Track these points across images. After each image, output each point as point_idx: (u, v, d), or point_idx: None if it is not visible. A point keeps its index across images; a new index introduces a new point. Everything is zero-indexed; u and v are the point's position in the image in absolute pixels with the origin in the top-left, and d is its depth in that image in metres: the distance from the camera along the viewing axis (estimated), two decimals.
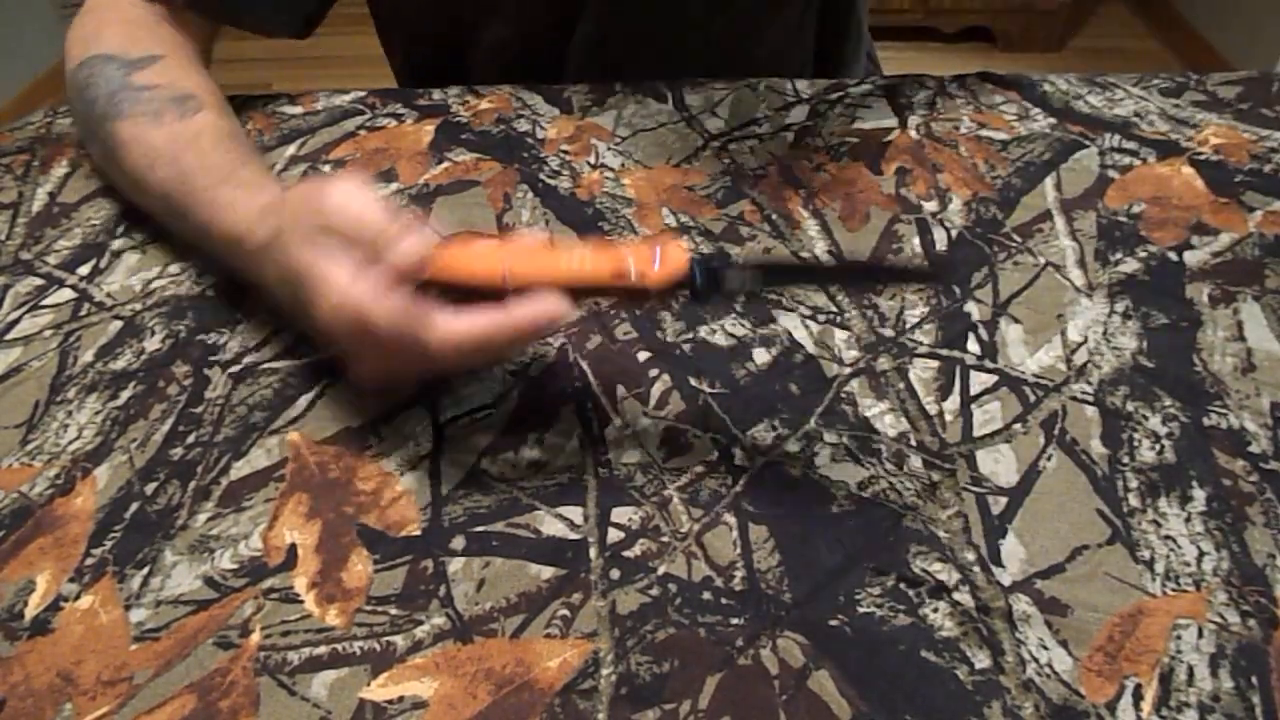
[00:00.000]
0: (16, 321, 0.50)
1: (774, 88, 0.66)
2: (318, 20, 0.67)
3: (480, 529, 0.39)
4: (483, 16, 0.70)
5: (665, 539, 0.38)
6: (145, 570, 0.38)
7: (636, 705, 0.33)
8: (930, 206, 0.55)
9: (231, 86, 0.70)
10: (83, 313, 0.50)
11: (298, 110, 0.65)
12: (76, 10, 0.61)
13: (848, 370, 0.45)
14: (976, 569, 0.37)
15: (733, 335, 0.47)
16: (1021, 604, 0.36)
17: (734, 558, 0.38)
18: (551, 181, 0.58)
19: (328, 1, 0.68)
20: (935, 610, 0.36)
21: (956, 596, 0.36)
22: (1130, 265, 0.51)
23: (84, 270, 0.53)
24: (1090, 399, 0.44)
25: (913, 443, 0.42)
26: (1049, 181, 0.57)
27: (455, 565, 0.38)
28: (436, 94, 0.67)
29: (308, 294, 0.38)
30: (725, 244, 0.53)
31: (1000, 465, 0.41)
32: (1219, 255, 0.51)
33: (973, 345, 0.46)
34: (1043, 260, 0.51)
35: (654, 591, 0.37)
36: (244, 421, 0.44)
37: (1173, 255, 0.51)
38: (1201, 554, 0.37)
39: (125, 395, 0.45)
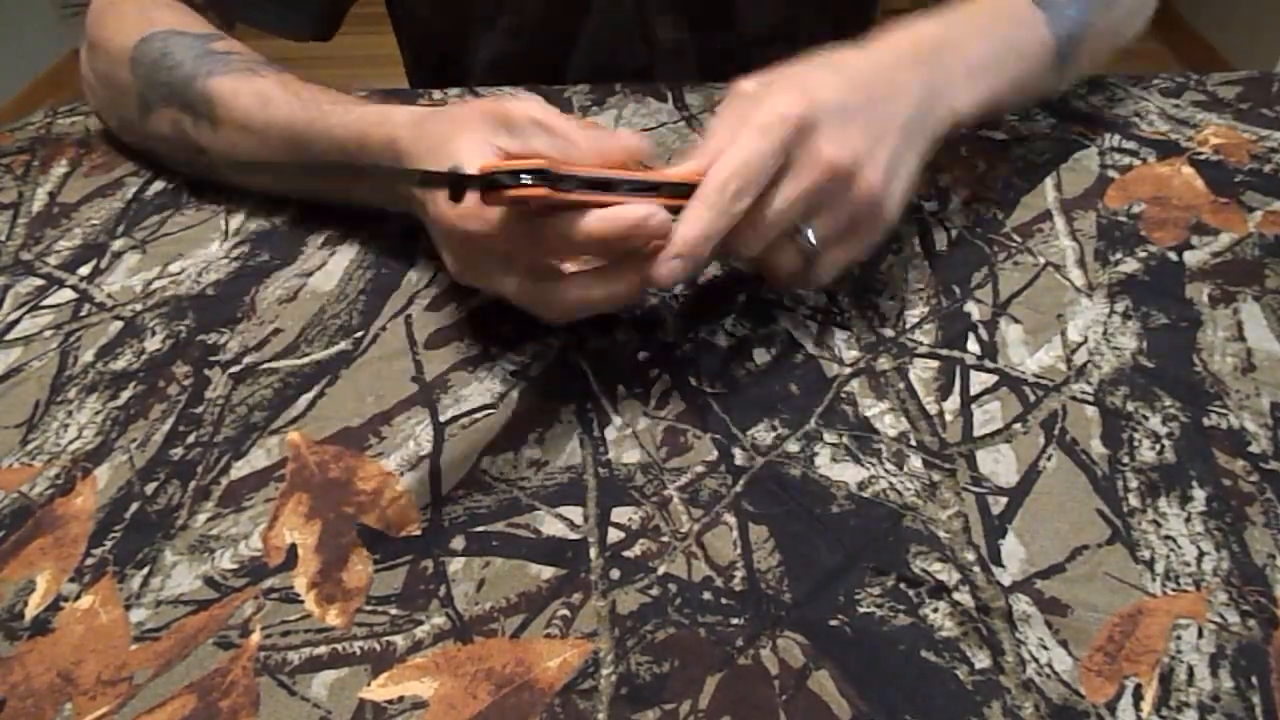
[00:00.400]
0: (17, 322, 0.50)
1: None
2: (338, 21, 0.67)
3: (480, 529, 0.39)
4: (486, 20, 0.70)
5: (665, 539, 0.38)
6: (145, 570, 0.38)
7: (636, 705, 0.33)
8: (930, 206, 0.55)
9: None
10: (83, 313, 0.50)
11: None
12: (76, 10, 0.61)
13: (848, 370, 0.45)
14: (976, 569, 0.37)
15: (733, 335, 0.47)
16: (1021, 604, 0.36)
17: (734, 558, 0.38)
18: None
19: (347, 1, 0.68)
20: (935, 610, 0.36)
21: (956, 596, 0.36)
22: (1130, 265, 0.51)
23: (84, 270, 0.53)
24: (1090, 399, 0.44)
25: (913, 442, 0.42)
26: (1049, 181, 0.57)
27: (455, 565, 0.38)
28: (437, 94, 0.67)
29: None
30: None
31: (1000, 465, 0.41)
32: (1219, 255, 0.51)
33: (973, 345, 0.46)
34: (1043, 260, 0.51)
35: (654, 591, 0.37)
36: (244, 421, 0.44)
37: (1173, 255, 0.51)
38: (1201, 554, 0.37)
39: (125, 395, 0.45)
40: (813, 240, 0.42)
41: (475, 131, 0.41)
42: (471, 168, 0.37)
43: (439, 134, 0.43)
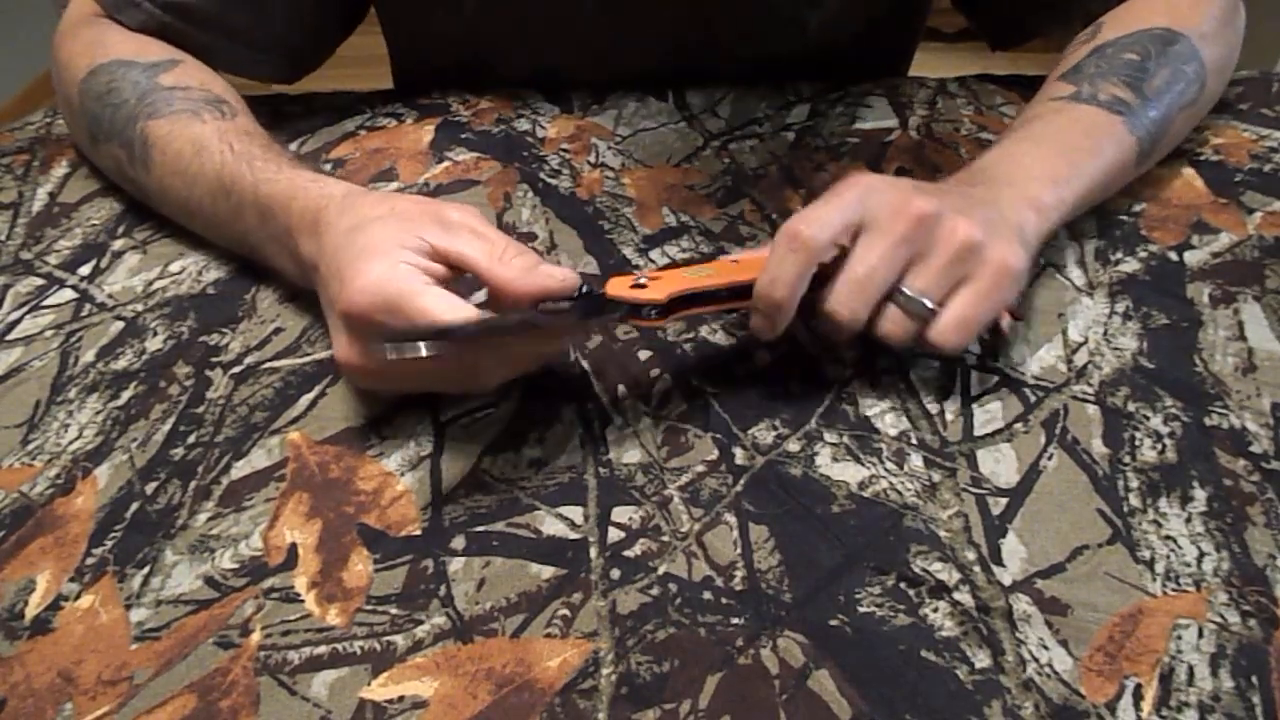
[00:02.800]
0: (17, 322, 0.50)
1: (775, 87, 0.66)
2: (308, 66, 0.65)
3: (480, 529, 0.39)
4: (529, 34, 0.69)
5: (666, 539, 0.38)
6: (145, 570, 0.38)
7: (637, 705, 0.33)
8: None
9: (231, 86, 0.70)
10: (83, 313, 0.50)
11: (297, 110, 0.65)
12: None
13: (849, 371, 0.45)
14: (977, 569, 0.37)
15: (733, 335, 0.47)
16: (1021, 604, 0.36)
17: (734, 557, 0.38)
18: (551, 181, 0.58)
19: (317, 47, 0.66)
20: (935, 610, 0.36)
21: (956, 596, 0.36)
22: (1131, 265, 0.51)
23: (85, 270, 0.53)
24: (1091, 398, 0.44)
25: (913, 441, 0.42)
26: None
27: (455, 565, 0.38)
28: (436, 94, 0.67)
29: (357, 263, 0.39)
30: (725, 243, 0.53)
31: (1001, 465, 0.41)
32: (1219, 255, 0.51)
33: (973, 345, 0.46)
34: (1043, 260, 0.51)
35: (654, 591, 0.37)
36: (245, 421, 0.44)
37: (1173, 255, 0.51)
38: (1202, 554, 0.37)
39: (126, 395, 0.45)
40: (910, 294, 0.40)
41: (410, 223, 0.40)
42: (392, 264, 0.39)
43: (366, 214, 0.41)
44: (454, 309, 0.38)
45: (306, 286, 0.46)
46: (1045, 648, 0.34)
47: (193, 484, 0.41)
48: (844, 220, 0.40)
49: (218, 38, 0.59)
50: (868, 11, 0.69)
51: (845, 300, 0.40)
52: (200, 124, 0.51)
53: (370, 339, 0.39)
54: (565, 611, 0.36)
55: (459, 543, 0.38)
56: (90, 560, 0.38)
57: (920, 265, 0.40)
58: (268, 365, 0.46)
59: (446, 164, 0.59)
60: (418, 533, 0.39)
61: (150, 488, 0.41)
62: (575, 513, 0.39)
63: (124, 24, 0.58)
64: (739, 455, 0.41)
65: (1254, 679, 0.33)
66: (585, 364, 0.46)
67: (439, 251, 0.40)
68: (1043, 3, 0.64)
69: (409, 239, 0.40)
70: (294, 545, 0.38)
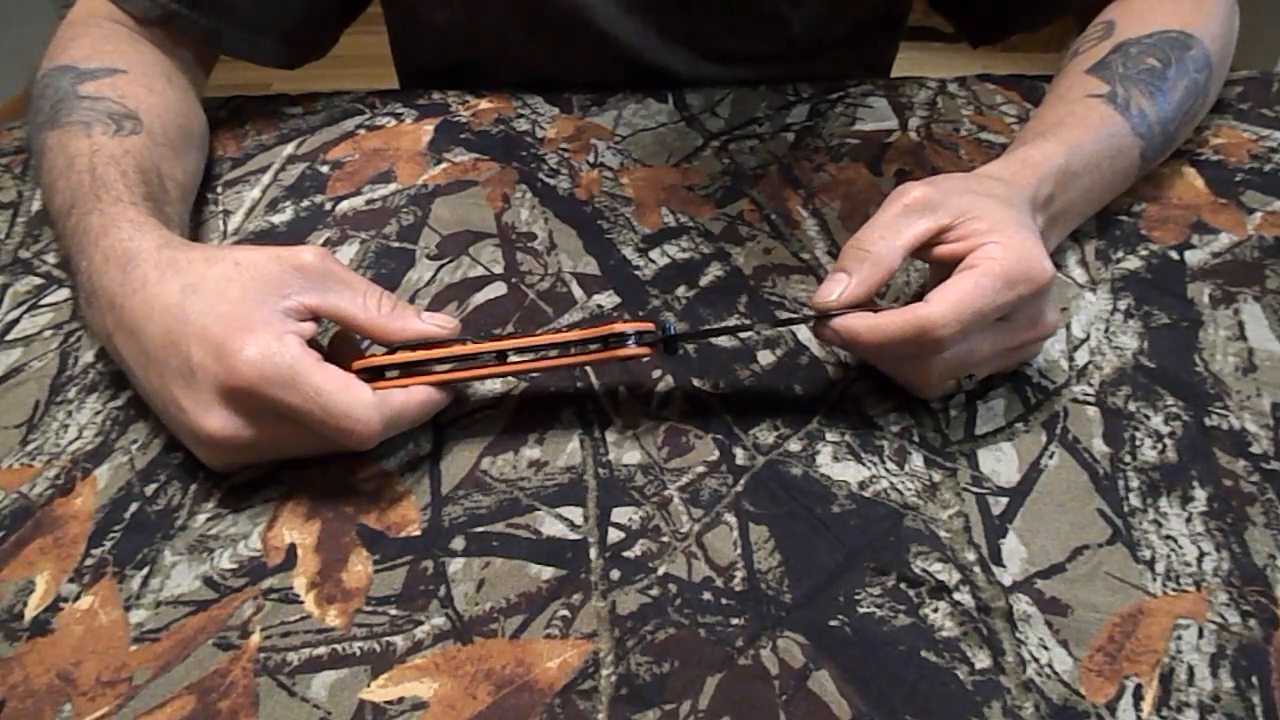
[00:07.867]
0: (16, 321, 0.49)
1: (774, 87, 0.66)
2: (310, 52, 0.65)
3: (480, 529, 0.39)
4: (496, 57, 0.69)
5: (665, 539, 0.38)
6: (145, 571, 0.38)
7: (636, 705, 0.33)
8: None
9: (232, 87, 0.70)
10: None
11: (297, 110, 0.65)
12: None
13: (854, 372, 0.45)
14: (977, 569, 0.37)
15: (736, 336, 0.47)
16: (1022, 604, 0.36)
17: (734, 558, 0.38)
18: (550, 181, 0.58)
19: (320, 32, 0.66)
20: (935, 610, 0.36)
21: (957, 596, 0.36)
22: (1132, 263, 0.51)
23: None
24: (1092, 398, 0.44)
25: (915, 439, 0.42)
26: None
27: (455, 565, 0.38)
28: (436, 94, 0.67)
29: (234, 335, 0.36)
30: (724, 244, 0.53)
31: (1002, 464, 0.41)
32: (1219, 255, 0.51)
33: None
34: None
35: (654, 592, 0.37)
36: None
37: (1174, 254, 0.51)
38: (1202, 554, 0.37)
39: (126, 396, 0.45)
40: (974, 382, 0.43)
41: (269, 283, 0.38)
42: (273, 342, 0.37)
43: (204, 273, 0.39)
44: (349, 390, 0.37)
45: (96, 325, 0.42)
46: (1045, 648, 0.34)
47: (192, 485, 0.41)
48: (981, 320, 0.38)
49: (221, 23, 0.59)
50: (852, 11, 0.69)
51: (938, 382, 0.41)
52: (84, 139, 0.48)
53: (256, 413, 0.37)
54: (565, 612, 0.36)
55: (459, 543, 0.38)
56: (89, 561, 0.38)
57: (1002, 348, 0.41)
58: None
59: (445, 165, 0.59)
60: (417, 533, 0.39)
61: (150, 488, 0.41)
62: (575, 513, 0.39)
63: (131, 14, 0.57)
64: (739, 455, 0.41)
65: (1254, 679, 0.33)
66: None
67: (310, 309, 0.39)
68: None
69: (278, 301, 0.38)
70: (293, 546, 0.38)
